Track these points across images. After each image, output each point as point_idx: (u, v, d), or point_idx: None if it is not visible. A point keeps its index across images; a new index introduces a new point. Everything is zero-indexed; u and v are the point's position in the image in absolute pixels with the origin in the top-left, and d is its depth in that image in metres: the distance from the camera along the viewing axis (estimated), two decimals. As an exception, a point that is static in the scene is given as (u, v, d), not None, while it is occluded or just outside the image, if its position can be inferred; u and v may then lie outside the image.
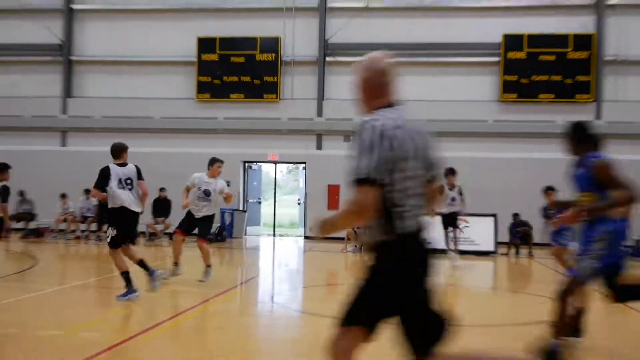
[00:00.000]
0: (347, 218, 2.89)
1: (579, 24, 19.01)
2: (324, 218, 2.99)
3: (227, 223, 19.10)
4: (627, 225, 5.13)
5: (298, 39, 19.95)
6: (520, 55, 19.13)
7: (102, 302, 7.95)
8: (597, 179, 4.93)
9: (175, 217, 18.30)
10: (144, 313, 7.47)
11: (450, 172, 13.03)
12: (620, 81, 18.99)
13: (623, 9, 18.91)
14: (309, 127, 19.83)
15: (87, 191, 17.53)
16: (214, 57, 20.13)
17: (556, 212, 9.64)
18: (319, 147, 19.94)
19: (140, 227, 18.51)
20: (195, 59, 20.17)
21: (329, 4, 19.86)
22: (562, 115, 19.03)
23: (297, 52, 20.00)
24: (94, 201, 17.14)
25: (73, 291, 8.36)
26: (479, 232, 15.57)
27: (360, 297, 3.00)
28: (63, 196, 17.99)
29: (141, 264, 8.03)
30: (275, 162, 20.96)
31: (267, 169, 22.81)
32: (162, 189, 18.34)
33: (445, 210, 12.94)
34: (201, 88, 20.17)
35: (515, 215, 16.33)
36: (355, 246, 16.09)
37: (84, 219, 18.08)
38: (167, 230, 18.21)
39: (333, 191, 19.28)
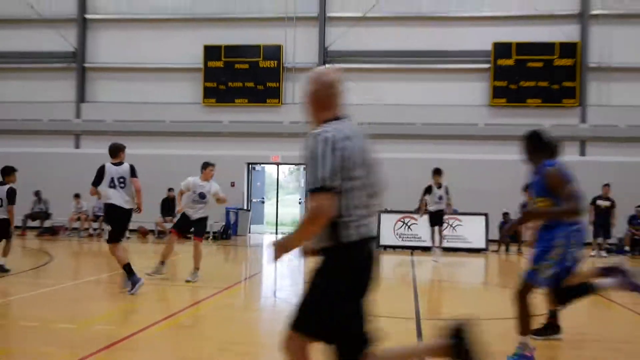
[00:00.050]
0: (306, 229, 2.82)
1: (564, 33, 19.00)
2: (282, 239, 2.94)
3: (232, 222, 19.07)
4: (582, 228, 5.02)
5: (299, 47, 19.93)
6: (509, 62, 19.10)
7: (114, 296, 7.92)
8: (549, 187, 4.88)
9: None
10: (153, 307, 7.45)
11: (437, 172, 13.03)
12: (603, 87, 18.98)
13: (606, 19, 18.90)
14: (309, 131, 19.78)
15: (76, 196, 17.64)
16: (219, 64, 20.11)
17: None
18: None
19: (150, 226, 18.64)
20: (201, 66, 20.15)
21: (329, 14, 19.84)
22: (549, 119, 19.04)
23: (298, 59, 19.97)
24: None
25: (86, 286, 8.34)
26: (471, 231, 15.55)
27: (308, 303, 2.96)
28: (77, 196, 17.97)
29: (127, 267, 7.89)
30: (278, 164, 20.94)
31: (270, 170, 22.76)
32: (170, 189, 18.29)
33: (432, 208, 12.95)
34: (207, 93, 20.15)
35: (505, 214, 16.30)
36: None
37: (96, 218, 18.06)
38: (175, 228, 18.21)
39: (332, 191, 19.26)
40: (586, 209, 4.85)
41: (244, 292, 9.17)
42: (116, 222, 8.00)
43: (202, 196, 9.29)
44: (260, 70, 19.94)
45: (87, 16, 20.82)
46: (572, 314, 7.32)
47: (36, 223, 18.09)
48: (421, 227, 14.98)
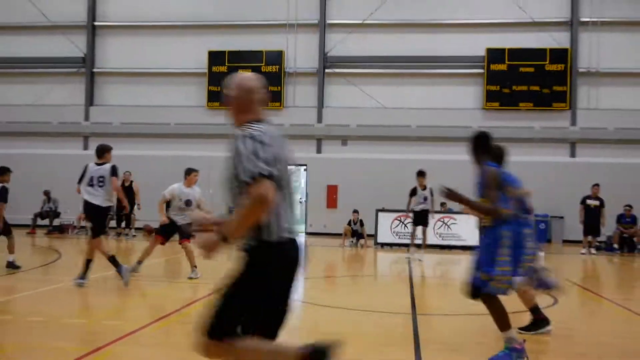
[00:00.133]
0: (251, 215, 2.77)
1: (555, 39, 18.99)
2: (222, 229, 2.85)
3: (235, 220, 19.05)
4: (526, 226, 4.94)
5: (300, 53, 19.91)
6: (502, 67, 19.08)
7: (120, 292, 7.89)
8: (484, 187, 4.84)
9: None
10: (159, 303, 7.42)
11: (420, 174, 13.05)
12: (592, 91, 18.96)
13: (595, 26, 18.89)
14: (310, 133, 19.78)
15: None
16: (223, 68, 20.09)
17: None
18: (318, 150, 19.89)
19: (155, 224, 18.54)
20: (206, 71, 20.12)
21: (328, 21, 19.81)
22: (540, 122, 19.06)
23: (299, 64, 19.95)
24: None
25: (93, 282, 8.30)
26: (464, 229, 15.49)
27: (230, 305, 2.92)
28: (85, 195, 17.92)
29: (87, 262, 7.91)
30: (279, 165, 20.89)
31: (272, 170, 22.77)
32: (175, 189, 18.30)
33: (417, 208, 13.00)
34: (211, 97, 20.11)
35: (498, 213, 16.28)
36: (352, 241, 16.04)
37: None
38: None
39: (331, 191, 19.25)
40: (508, 215, 4.78)
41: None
42: (93, 219, 8.02)
43: (188, 203, 9.06)
44: (263, 74, 19.84)
45: (96, 23, 20.80)
46: (563, 310, 7.30)
47: (45, 222, 18.06)
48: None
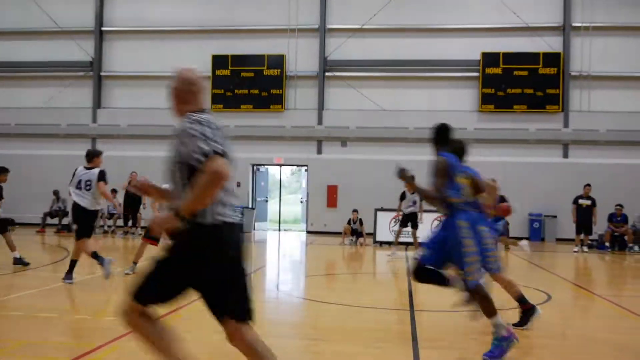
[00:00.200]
0: (206, 189, 2.76)
1: (548, 44, 18.97)
2: (178, 205, 2.83)
3: (238, 219, 19.02)
4: (481, 222, 4.83)
5: (301, 56, 19.89)
6: (497, 71, 19.06)
7: (125, 289, 7.85)
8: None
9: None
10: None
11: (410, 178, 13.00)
12: (584, 94, 18.94)
13: (586, 31, 18.86)
14: (310, 134, 19.76)
15: (113, 191, 17.47)
16: (226, 72, 20.07)
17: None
18: (319, 151, 19.86)
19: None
20: (209, 74, 20.10)
21: (328, 25, 19.79)
22: (534, 124, 19.04)
23: (299, 67, 19.93)
24: (119, 199, 17.08)
25: (100, 280, 8.27)
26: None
27: (155, 276, 2.95)
28: (93, 195, 17.91)
29: (72, 263, 7.90)
30: (280, 165, 20.88)
31: (273, 171, 22.73)
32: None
33: (407, 211, 13.04)
34: (215, 99, 20.10)
35: (493, 212, 16.24)
36: (351, 240, 16.02)
37: (110, 216, 18.01)
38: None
39: (331, 191, 19.23)
40: (457, 204, 4.72)
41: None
42: (79, 221, 7.99)
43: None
44: (265, 78, 19.90)
45: (104, 28, 20.79)
46: (556, 307, 7.27)
47: (55, 220, 18.04)
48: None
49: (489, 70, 19.01)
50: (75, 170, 8.12)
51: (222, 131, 3.00)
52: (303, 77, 19.96)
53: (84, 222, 7.97)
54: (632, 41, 18.85)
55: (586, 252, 15.09)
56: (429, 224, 14.57)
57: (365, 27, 19.49)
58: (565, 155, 18.95)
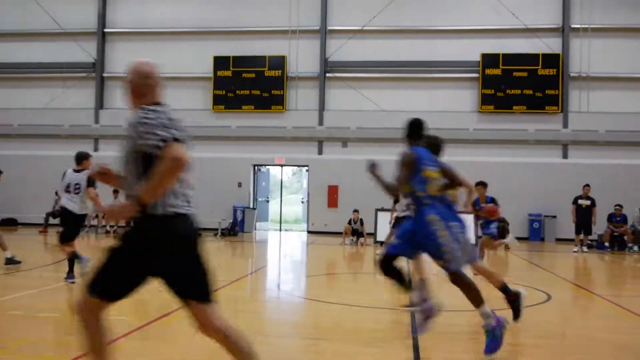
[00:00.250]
0: (165, 176, 2.74)
1: (547, 45, 18.96)
2: (136, 193, 2.80)
3: (239, 219, 19.01)
4: (451, 212, 4.78)
5: (301, 57, 19.88)
6: (497, 72, 19.05)
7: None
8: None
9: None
10: (164, 299, 7.36)
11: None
12: (583, 95, 18.92)
13: (585, 32, 18.85)
14: (311, 135, 19.75)
15: (115, 191, 17.48)
16: (227, 73, 20.07)
17: (479, 206, 9.60)
18: (320, 152, 19.85)
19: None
20: (211, 75, 20.11)
21: (329, 27, 19.79)
22: (533, 125, 19.02)
23: (300, 68, 19.93)
24: (121, 200, 17.10)
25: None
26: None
27: (108, 267, 2.94)
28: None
29: (71, 262, 7.87)
30: (282, 165, 20.88)
31: (274, 171, 22.72)
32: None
33: (400, 215, 12.97)
34: (217, 100, 20.10)
35: (493, 212, 16.22)
36: (352, 239, 16.00)
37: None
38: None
39: (332, 191, 19.21)
40: (423, 197, 4.67)
41: (250, 285, 9.09)
42: (66, 224, 7.92)
43: None
44: (266, 79, 19.89)
45: (106, 30, 20.81)
46: (555, 306, 7.25)
47: (57, 221, 18.00)
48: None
49: (488, 71, 19.00)
50: (65, 172, 8.07)
51: (180, 122, 2.98)
52: (304, 78, 19.95)
53: (70, 226, 7.89)
54: (630, 42, 18.83)
55: (586, 252, 15.06)
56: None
57: (365, 28, 19.48)
58: (565, 156, 18.92)
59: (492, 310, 4.63)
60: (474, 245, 5.37)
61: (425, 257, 5.06)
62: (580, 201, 15.39)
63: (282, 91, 19.82)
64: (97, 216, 17.92)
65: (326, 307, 6.85)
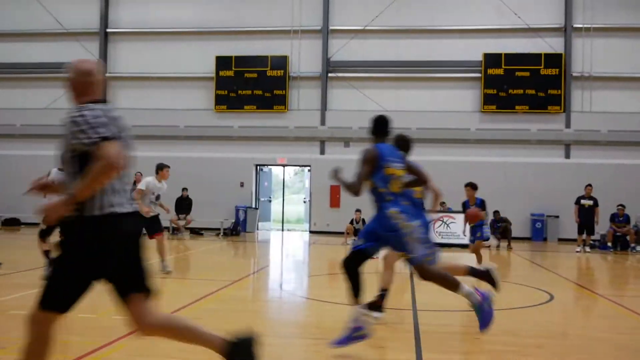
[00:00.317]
0: (99, 174, 2.72)
1: (549, 45, 18.94)
2: (71, 192, 2.78)
3: (241, 219, 19.02)
4: (414, 210, 4.82)
5: (304, 57, 19.89)
6: (499, 71, 19.03)
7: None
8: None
9: (195, 214, 18.28)
10: (168, 299, 7.38)
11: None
12: (586, 94, 18.89)
13: (587, 32, 18.83)
14: (314, 135, 19.76)
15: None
16: (230, 73, 20.08)
17: (469, 207, 9.59)
18: (322, 152, 19.86)
19: (165, 223, 18.59)
20: (213, 75, 20.13)
21: (331, 27, 19.79)
22: (536, 125, 19.00)
23: (302, 68, 19.93)
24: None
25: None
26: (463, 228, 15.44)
27: (55, 278, 2.90)
28: (98, 195, 17.94)
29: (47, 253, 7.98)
30: (284, 165, 20.89)
31: (277, 171, 22.73)
32: (184, 189, 18.33)
33: None
34: (219, 100, 20.11)
35: (496, 212, 16.22)
36: (354, 239, 16.00)
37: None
38: (189, 225, 18.18)
39: (335, 191, 19.20)
40: (385, 194, 4.63)
41: (252, 285, 9.10)
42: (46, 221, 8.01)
43: (158, 197, 9.11)
44: (268, 79, 19.90)
45: (108, 30, 20.85)
46: (558, 306, 7.25)
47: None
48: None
49: (491, 71, 18.99)
50: (49, 172, 8.17)
51: (119, 121, 2.96)
52: (306, 78, 19.96)
53: (51, 224, 7.95)
54: (633, 42, 18.81)
55: (588, 252, 15.04)
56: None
57: (367, 28, 19.48)
58: (567, 156, 18.91)
59: (474, 287, 4.62)
60: (436, 247, 5.35)
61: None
62: (582, 201, 15.37)
63: (284, 91, 19.83)
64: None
65: (328, 307, 6.86)
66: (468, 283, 4.73)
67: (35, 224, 18.79)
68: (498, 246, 15.66)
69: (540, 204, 18.28)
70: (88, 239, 2.85)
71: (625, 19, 18.74)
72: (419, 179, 4.99)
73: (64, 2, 20.80)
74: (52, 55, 20.68)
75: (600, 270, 12.66)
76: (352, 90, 19.52)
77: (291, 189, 31.67)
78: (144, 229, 8.95)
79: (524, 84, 18.85)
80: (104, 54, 20.76)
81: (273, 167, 21.71)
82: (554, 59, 18.83)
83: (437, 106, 19.13)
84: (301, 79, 19.96)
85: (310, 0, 19.84)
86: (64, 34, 20.65)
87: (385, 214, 4.63)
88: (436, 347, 4.99)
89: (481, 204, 9.67)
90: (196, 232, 18.12)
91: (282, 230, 21.19)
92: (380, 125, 4.97)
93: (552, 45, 18.93)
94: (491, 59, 19.03)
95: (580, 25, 18.82)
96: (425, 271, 4.59)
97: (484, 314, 4.48)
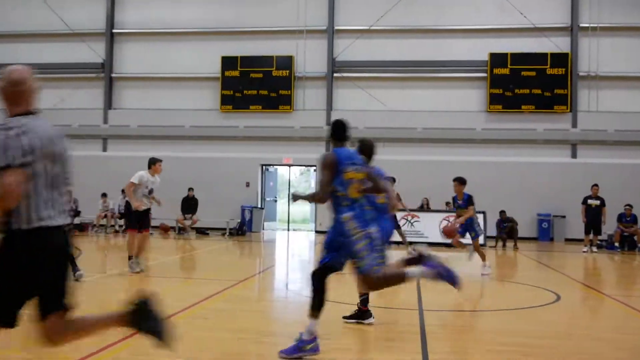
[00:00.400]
0: None
1: (555, 44, 18.86)
2: None
3: (247, 219, 19.04)
4: (374, 215, 4.75)
5: (309, 57, 19.90)
6: (505, 71, 18.97)
7: (136, 288, 7.88)
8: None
9: (201, 214, 18.30)
10: (174, 299, 7.40)
11: (392, 180, 12.97)
12: (592, 94, 18.81)
13: (594, 31, 18.74)
14: (319, 135, 19.74)
15: (124, 191, 17.56)
16: (235, 73, 20.11)
17: (458, 203, 9.59)
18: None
19: (171, 222, 18.61)
20: (219, 75, 20.16)
21: (337, 27, 19.79)
22: (542, 124, 18.94)
23: (308, 68, 19.94)
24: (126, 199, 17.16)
25: (112, 279, 8.32)
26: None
27: None
28: (104, 195, 18.01)
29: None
30: (289, 165, 20.90)
31: (282, 171, 22.75)
32: (190, 189, 18.37)
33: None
34: (224, 100, 20.14)
35: (502, 212, 16.16)
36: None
37: (121, 216, 18.06)
38: (195, 225, 18.20)
39: (340, 191, 19.20)
40: (344, 198, 4.57)
41: (258, 284, 9.11)
42: None
43: (151, 192, 9.10)
44: (273, 79, 19.92)
45: (115, 30, 20.91)
46: (564, 307, 7.22)
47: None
48: (423, 224, 14.97)
49: (496, 71, 18.94)
50: None
51: (42, 134, 2.87)
52: (311, 78, 19.97)
53: None
54: (639, 41, 18.71)
55: (595, 252, 14.97)
56: (435, 223, 14.54)
57: (373, 28, 19.47)
58: (574, 156, 18.83)
59: (418, 262, 4.51)
60: (387, 255, 5.29)
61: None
62: (589, 201, 15.30)
63: (289, 91, 19.84)
64: (105, 216, 18.02)
65: (334, 306, 6.85)
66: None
67: None
68: (504, 246, 15.61)
69: (547, 204, 18.21)
70: (16, 253, 2.81)
71: (632, 18, 18.65)
72: (374, 187, 4.84)
73: (70, 2, 20.89)
74: (59, 55, 20.79)
75: (607, 270, 12.60)
76: (357, 90, 19.51)
77: (297, 189, 31.68)
78: (136, 223, 8.97)
79: (530, 83, 18.78)
80: (110, 55, 20.83)
81: (279, 167, 21.72)
82: (560, 59, 18.76)
83: (443, 106, 19.09)
84: (307, 79, 19.97)
85: (316, 0, 19.84)
86: (70, 34, 20.74)
87: (339, 219, 4.59)
88: (442, 347, 4.98)
89: (468, 200, 9.65)
90: (202, 232, 18.15)
91: (288, 230, 21.19)
92: (338, 130, 4.89)
93: (558, 44, 18.86)
94: (497, 59, 18.98)
95: (587, 25, 18.74)
96: (370, 283, 4.51)
97: (446, 277, 4.40)
